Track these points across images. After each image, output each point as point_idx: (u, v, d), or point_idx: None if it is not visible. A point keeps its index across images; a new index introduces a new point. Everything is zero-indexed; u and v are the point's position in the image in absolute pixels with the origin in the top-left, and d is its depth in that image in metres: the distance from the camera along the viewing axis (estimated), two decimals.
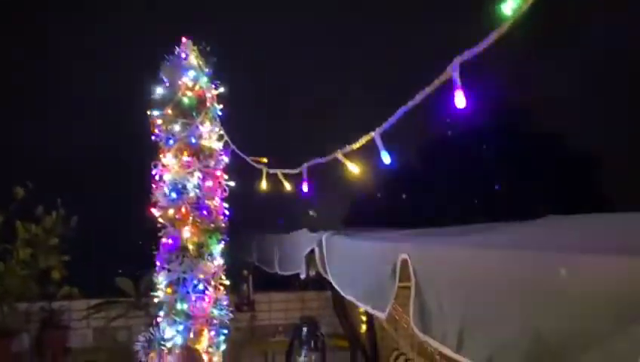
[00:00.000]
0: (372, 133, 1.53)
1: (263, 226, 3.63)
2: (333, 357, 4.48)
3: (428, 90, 1.34)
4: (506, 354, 1.14)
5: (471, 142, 10.36)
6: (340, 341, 4.37)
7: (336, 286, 2.26)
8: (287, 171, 2.01)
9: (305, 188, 1.91)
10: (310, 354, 3.79)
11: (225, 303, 2.23)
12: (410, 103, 1.37)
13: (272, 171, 2.08)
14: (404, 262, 1.62)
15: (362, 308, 2.17)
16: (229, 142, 2.26)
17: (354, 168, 1.69)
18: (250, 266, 4.18)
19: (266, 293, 4.50)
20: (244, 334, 4.31)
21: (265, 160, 2.15)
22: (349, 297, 2.15)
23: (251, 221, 3.81)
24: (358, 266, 2.04)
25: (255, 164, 2.18)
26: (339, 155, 1.70)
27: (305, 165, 1.89)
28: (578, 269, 0.99)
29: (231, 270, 4.11)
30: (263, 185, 2.16)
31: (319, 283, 4.43)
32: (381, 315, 1.83)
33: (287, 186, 2.07)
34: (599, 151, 9.73)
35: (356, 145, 1.59)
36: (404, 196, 10.32)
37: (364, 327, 4.36)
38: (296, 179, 2.16)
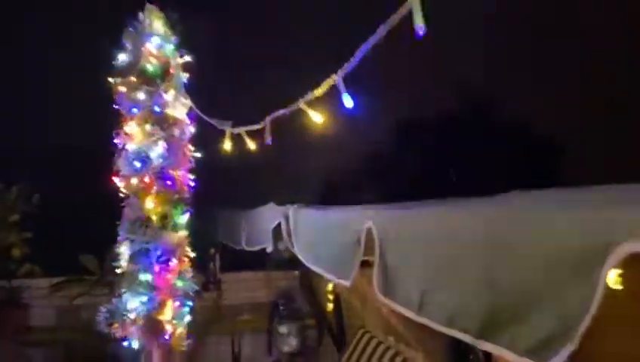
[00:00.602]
0: (334, 77, 1.50)
1: (230, 203, 3.60)
2: (301, 334, 4.50)
3: (388, 24, 1.29)
4: (466, 313, 1.16)
5: (438, 127, 10.47)
6: (307, 319, 4.39)
7: (302, 259, 2.27)
8: (250, 128, 1.98)
9: (268, 140, 1.89)
10: (290, 325, 3.81)
11: (189, 275, 2.21)
12: (371, 39, 1.32)
13: (235, 130, 2.06)
14: (369, 230, 1.63)
15: (328, 277, 2.18)
16: (193, 106, 2.21)
17: (317, 117, 1.66)
18: (217, 244, 4.15)
19: (234, 273, 4.48)
20: (210, 313, 4.29)
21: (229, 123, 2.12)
22: (314, 268, 2.16)
23: (218, 198, 3.77)
24: (324, 237, 2.05)
25: (218, 125, 2.15)
26: (301, 105, 1.67)
27: (268, 118, 1.86)
28: (532, 226, 1.02)
29: (197, 249, 4.09)
30: (227, 145, 2.13)
31: (290, 263, 4.45)
32: (345, 283, 1.84)
33: (251, 145, 2.05)
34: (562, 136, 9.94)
35: (319, 91, 1.58)
36: (373, 175, 10.36)
37: (330, 306, 4.39)
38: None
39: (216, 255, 4.18)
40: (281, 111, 1.79)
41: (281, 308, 3.83)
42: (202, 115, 2.17)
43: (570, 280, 0.89)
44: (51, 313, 4.10)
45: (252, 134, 2.00)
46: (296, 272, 4.45)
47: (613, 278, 0.86)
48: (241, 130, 2.02)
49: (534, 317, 0.97)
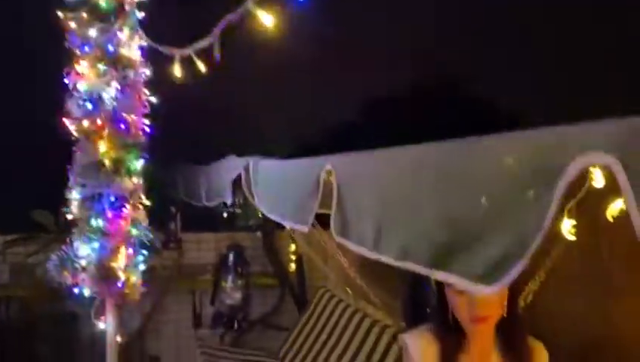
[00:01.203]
0: None
1: (190, 158, 3.51)
2: (263, 295, 4.51)
3: None
4: (419, 244, 1.15)
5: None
6: (269, 279, 4.39)
7: (262, 209, 2.23)
8: (198, 45, 1.89)
9: (217, 56, 1.81)
10: (237, 279, 3.79)
11: (144, 223, 2.15)
12: None
13: (185, 52, 1.97)
14: (329, 173, 1.60)
15: (287, 225, 2.15)
16: (149, 42, 2.11)
17: (267, 19, 1.58)
18: (177, 202, 4.07)
19: (195, 233, 4.42)
20: (171, 272, 4.24)
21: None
22: (273, 216, 2.13)
23: (178, 153, 3.68)
24: (284, 186, 2.01)
25: (168, 52, 2.06)
26: (250, 5, 1.58)
27: (216, 30, 1.78)
28: (484, 151, 1.00)
29: (157, 206, 4.00)
30: (177, 71, 2.05)
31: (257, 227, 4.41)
32: (303, 228, 1.82)
33: (202, 68, 1.97)
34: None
35: None
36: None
37: (293, 266, 4.40)
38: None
39: (177, 214, 4.10)
40: (229, 17, 1.71)
41: (229, 261, 3.81)
42: (153, 44, 2.07)
43: (525, 201, 0.87)
44: (5, 270, 3.98)
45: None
46: (259, 234, 4.43)
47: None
48: (190, 49, 1.93)
49: (487, 242, 0.96)
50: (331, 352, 3.42)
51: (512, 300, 1.62)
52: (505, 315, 1.59)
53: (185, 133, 3.66)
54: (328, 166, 1.60)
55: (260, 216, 4.25)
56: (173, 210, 4.11)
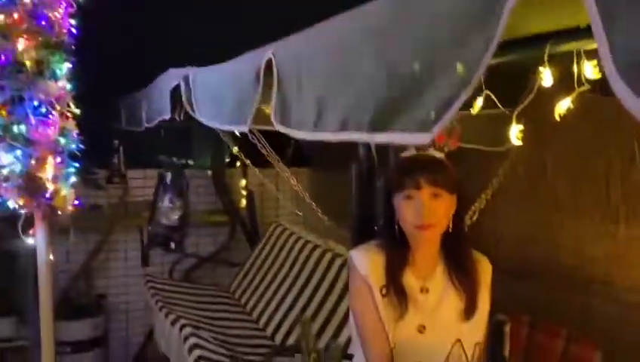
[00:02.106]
0: None
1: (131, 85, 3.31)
2: (214, 233, 4.43)
3: None
4: (359, 111, 1.07)
5: None
6: (219, 216, 4.30)
7: (202, 119, 2.11)
8: None
9: None
10: (174, 200, 3.68)
11: (74, 133, 2.00)
12: None
13: None
14: (269, 62, 1.50)
15: (228, 129, 2.04)
16: None
17: None
18: (120, 135, 3.89)
19: (142, 170, 4.25)
20: (117, 210, 4.08)
21: None
22: (212, 124, 2.01)
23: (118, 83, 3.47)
24: (224, 87, 1.89)
25: None
26: None
27: None
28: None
29: (98, 138, 3.81)
30: None
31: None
32: (243, 128, 1.72)
33: None
34: None
35: None
36: None
37: (244, 202, 4.32)
38: None
39: (120, 147, 3.92)
40: None
41: (167, 180, 3.69)
42: None
43: (473, 28, 0.79)
44: None
45: None
46: (209, 172, 4.30)
47: None
48: None
49: (426, 94, 0.89)
50: (282, 283, 3.40)
51: (458, 215, 1.58)
52: (450, 230, 1.56)
53: (123, 60, 3.44)
54: (269, 53, 1.49)
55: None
56: (116, 144, 3.92)
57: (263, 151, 2.81)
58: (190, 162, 4.15)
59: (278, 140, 2.70)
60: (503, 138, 2.37)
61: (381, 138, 1.00)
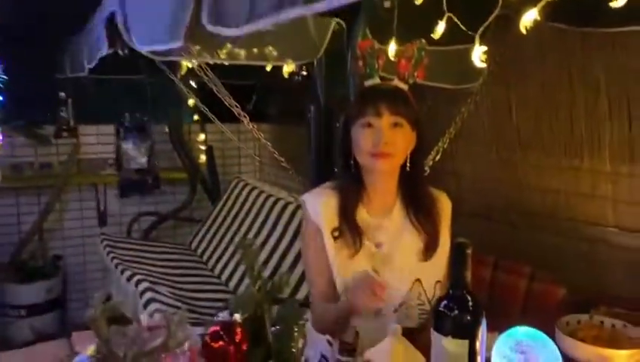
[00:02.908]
0: None
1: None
2: (173, 190, 4.29)
3: None
4: None
5: None
6: (179, 173, 4.15)
7: (137, 45, 1.92)
8: None
9: None
10: (139, 143, 3.53)
11: None
12: None
13: None
14: None
15: (163, 49, 1.87)
16: None
17: None
18: (67, 85, 3.65)
19: (94, 126, 4.04)
20: (68, 167, 3.88)
21: None
22: (147, 48, 1.84)
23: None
24: (157, 5, 1.69)
25: None
26: None
27: None
28: None
29: (44, 91, 3.58)
30: None
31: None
32: (178, 43, 1.56)
33: None
34: None
35: None
36: None
37: (203, 158, 4.17)
38: None
39: (68, 99, 3.69)
40: None
41: (126, 123, 3.52)
42: None
43: None
44: None
45: None
46: (166, 128, 4.11)
47: None
48: None
49: None
50: (244, 238, 3.30)
51: (417, 153, 1.50)
52: (409, 168, 1.48)
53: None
54: None
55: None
56: (63, 96, 3.69)
57: (226, 103, 2.66)
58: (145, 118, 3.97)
59: (238, 96, 2.59)
60: (468, 76, 2.30)
61: (320, 6, 0.88)
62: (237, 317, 0.83)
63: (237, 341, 0.80)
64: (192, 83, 3.31)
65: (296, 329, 0.92)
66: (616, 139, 1.92)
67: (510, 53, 2.17)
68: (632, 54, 1.83)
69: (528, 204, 2.29)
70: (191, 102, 3.35)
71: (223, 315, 0.85)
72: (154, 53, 1.94)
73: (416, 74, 1.50)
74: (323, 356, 1.54)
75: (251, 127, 2.43)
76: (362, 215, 1.49)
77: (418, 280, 1.48)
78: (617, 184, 1.93)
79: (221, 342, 0.79)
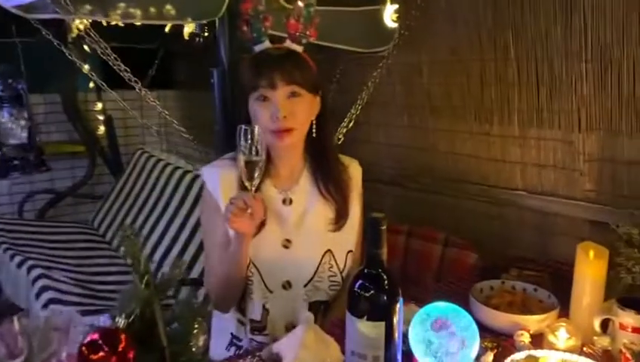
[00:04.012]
0: None
1: None
2: (71, 165, 3.96)
3: None
4: None
5: None
6: (76, 146, 3.81)
7: (4, 4, 1.68)
8: None
9: None
10: (16, 114, 3.20)
11: None
12: None
13: None
14: None
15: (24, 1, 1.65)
16: None
17: None
18: None
19: None
20: None
21: None
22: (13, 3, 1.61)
23: None
24: None
25: None
26: None
27: None
28: None
29: None
30: None
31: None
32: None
33: None
34: None
35: None
36: None
37: (102, 129, 3.87)
38: None
39: None
40: None
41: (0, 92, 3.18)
42: None
43: None
44: None
45: None
46: (58, 96, 3.75)
47: None
48: None
49: None
50: (150, 213, 3.10)
51: (322, 117, 1.40)
52: (314, 135, 1.38)
53: None
54: None
55: None
56: None
57: (116, 68, 2.41)
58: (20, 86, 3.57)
59: (139, 60, 2.36)
60: (379, 39, 2.24)
61: None
62: (119, 321, 0.70)
63: (120, 349, 0.67)
64: (85, 47, 3.00)
65: (196, 326, 0.80)
66: (524, 104, 1.94)
67: (421, 17, 2.13)
68: (539, 19, 1.83)
69: (440, 169, 2.29)
70: (86, 68, 3.05)
71: (103, 319, 0.71)
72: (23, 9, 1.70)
73: (308, 33, 1.38)
74: (234, 336, 1.45)
75: (143, 93, 2.23)
76: (268, 188, 1.39)
77: (329, 250, 1.41)
78: (525, 148, 1.96)
79: (101, 353, 0.66)
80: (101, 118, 3.81)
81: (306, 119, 1.35)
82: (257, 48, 1.36)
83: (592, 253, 1.28)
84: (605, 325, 1.22)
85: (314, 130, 1.38)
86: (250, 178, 1.20)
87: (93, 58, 2.84)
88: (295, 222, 1.40)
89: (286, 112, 1.28)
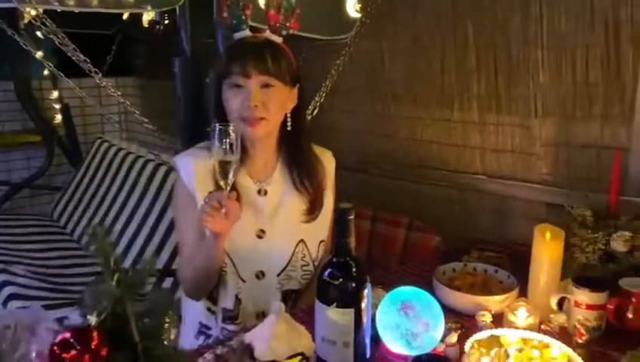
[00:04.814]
0: None
1: None
2: (27, 155, 3.84)
3: None
4: None
5: None
6: (32, 136, 3.70)
7: None
8: None
9: None
10: None
11: None
12: None
13: None
14: None
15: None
16: None
17: None
18: None
19: None
20: None
21: None
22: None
23: None
24: None
25: None
26: None
27: None
28: None
29: None
30: None
31: None
32: None
33: None
34: None
35: None
36: None
37: (59, 118, 3.76)
38: None
39: None
40: None
41: None
42: None
43: None
44: None
45: None
46: (11, 83, 3.62)
47: None
48: None
49: None
50: (112, 204, 3.05)
51: (299, 110, 1.41)
52: (290, 127, 1.39)
53: None
54: None
55: None
56: None
57: (74, 58, 2.34)
58: None
59: (97, 47, 2.29)
60: (342, 27, 2.24)
61: None
62: (91, 319, 0.70)
63: (93, 347, 0.67)
64: (39, 33, 2.89)
65: (167, 320, 0.80)
66: (483, 91, 1.98)
67: (383, 4, 2.14)
68: (498, 7, 1.87)
69: (403, 155, 2.33)
70: (39, 54, 2.95)
71: (73, 318, 0.71)
72: None
73: (289, 24, 1.38)
74: (203, 324, 1.46)
75: (103, 84, 2.18)
76: (242, 178, 1.39)
77: (302, 241, 1.43)
78: (485, 134, 2.02)
79: (73, 352, 0.66)
80: (57, 106, 3.70)
81: (278, 111, 1.34)
82: (236, 36, 1.36)
83: (548, 235, 1.33)
84: (561, 303, 1.28)
85: (289, 123, 1.39)
86: (225, 177, 1.20)
87: (47, 44, 2.75)
88: (269, 213, 1.41)
89: (257, 102, 1.28)
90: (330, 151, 1.53)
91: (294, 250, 1.41)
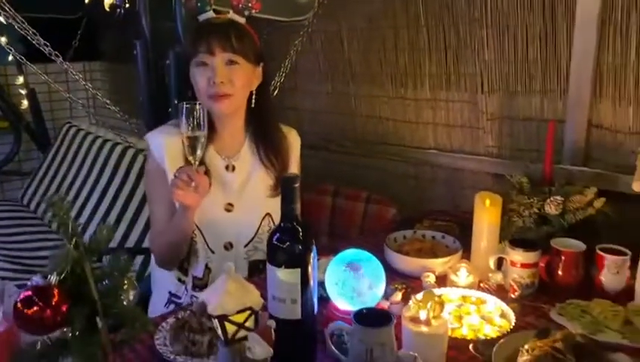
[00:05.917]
0: None
1: None
2: None
3: None
4: None
5: None
6: None
7: None
8: None
9: None
10: None
11: None
12: None
13: None
14: None
15: None
16: None
17: None
18: None
19: None
20: None
21: None
22: None
23: None
24: None
25: None
26: None
27: None
28: None
29: None
30: None
31: None
32: None
33: None
34: None
35: None
36: None
37: (25, 103, 3.74)
38: None
39: None
40: None
41: None
42: None
43: None
44: None
45: None
46: None
47: None
48: None
49: None
50: (82, 187, 3.08)
51: (263, 88, 1.48)
52: (254, 105, 1.47)
53: None
54: None
55: None
56: None
57: (35, 42, 2.35)
58: None
59: (64, 32, 2.30)
60: (300, 8, 2.30)
61: None
62: (52, 279, 0.78)
63: (54, 303, 0.75)
64: (1, 18, 2.88)
65: (125, 282, 0.89)
66: (434, 69, 2.08)
67: None
68: None
69: (362, 132, 2.42)
70: (3, 40, 2.94)
71: (36, 279, 0.79)
72: None
73: (251, 5, 1.45)
74: (173, 294, 1.54)
75: (66, 66, 2.21)
76: (211, 155, 1.47)
77: (268, 214, 1.51)
78: (436, 110, 2.11)
79: (35, 308, 0.74)
80: (24, 92, 3.68)
81: (243, 87, 1.42)
82: (201, 18, 1.43)
83: (487, 202, 1.44)
84: (500, 264, 1.39)
85: (254, 101, 1.46)
86: (193, 152, 1.28)
87: (12, 30, 2.75)
88: (237, 187, 1.49)
89: (223, 78, 1.36)
90: (294, 129, 1.61)
91: (261, 223, 1.50)
